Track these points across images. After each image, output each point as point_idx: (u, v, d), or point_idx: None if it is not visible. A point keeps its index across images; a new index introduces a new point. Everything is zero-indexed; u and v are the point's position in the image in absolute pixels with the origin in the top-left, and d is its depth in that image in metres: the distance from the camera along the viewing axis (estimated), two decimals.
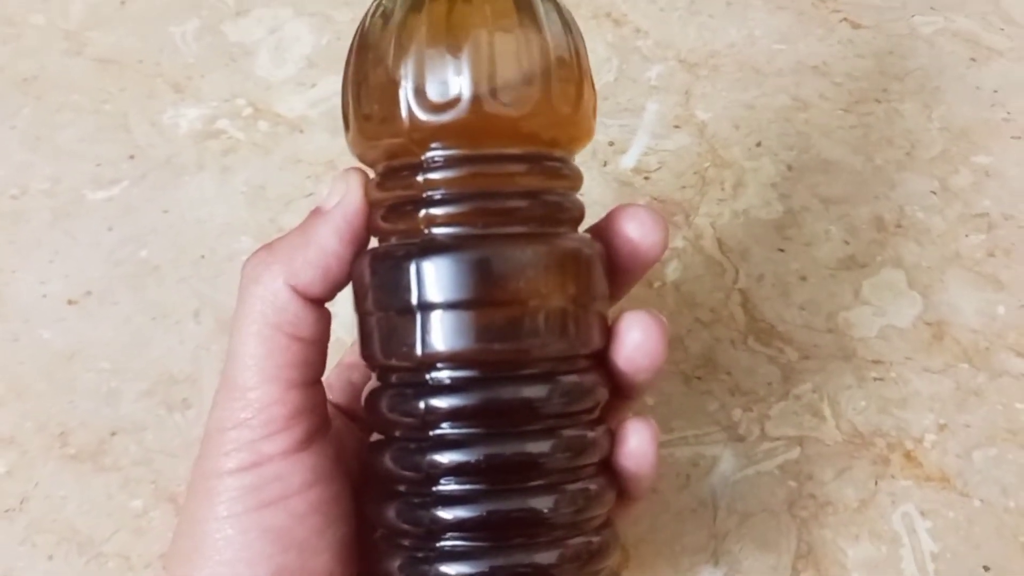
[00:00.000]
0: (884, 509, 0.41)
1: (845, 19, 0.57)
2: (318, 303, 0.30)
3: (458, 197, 0.28)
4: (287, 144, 0.52)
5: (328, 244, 0.29)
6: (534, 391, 0.28)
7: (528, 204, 0.28)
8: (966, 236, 0.48)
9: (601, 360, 0.30)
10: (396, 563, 0.28)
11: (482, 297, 0.27)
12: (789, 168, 0.51)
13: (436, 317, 0.27)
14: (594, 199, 0.49)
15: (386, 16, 0.28)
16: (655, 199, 0.50)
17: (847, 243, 0.48)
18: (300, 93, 0.54)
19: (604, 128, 0.52)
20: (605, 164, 0.51)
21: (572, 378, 0.28)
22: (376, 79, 0.28)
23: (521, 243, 0.28)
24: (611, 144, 0.52)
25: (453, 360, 0.27)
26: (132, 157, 0.52)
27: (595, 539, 0.29)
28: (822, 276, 0.47)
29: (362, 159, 0.30)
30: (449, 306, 0.27)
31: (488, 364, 0.28)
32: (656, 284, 0.47)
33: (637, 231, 0.30)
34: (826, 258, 0.47)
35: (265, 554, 0.28)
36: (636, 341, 0.29)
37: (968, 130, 0.52)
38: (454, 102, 0.27)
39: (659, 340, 0.29)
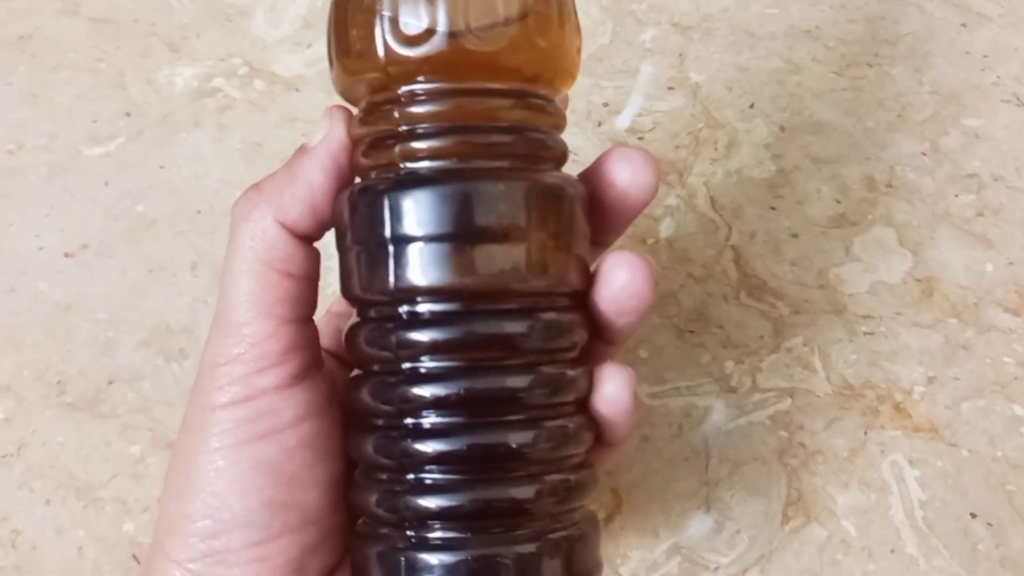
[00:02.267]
0: (873, 458, 0.41)
1: None
2: (307, 240, 0.30)
3: (437, 131, 0.28)
4: (283, 102, 0.52)
5: (314, 179, 0.29)
6: (513, 326, 0.28)
7: (509, 139, 0.28)
8: (956, 196, 0.49)
9: (582, 301, 0.30)
10: (373, 496, 0.28)
11: (460, 230, 0.27)
12: (781, 129, 0.51)
13: (414, 250, 0.27)
14: (588, 158, 0.49)
15: None
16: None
17: (838, 202, 0.48)
18: (296, 53, 0.54)
19: (599, 89, 0.53)
20: (600, 124, 0.51)
21: (551, 315, 0.28)
22: (355, 14, 0.28)
23: (501, 177, 0.28)
24: (605, 105, 0.52)
25: (430, 293, 0.27)
26: (128, 114, 0.52)
27: (572, 477, 0.29)
28: (813, 234, 0.47)
29: (346, 96, 0.31)
30: (427, 239, 0.27)
31: (465, 297, 0.28)
32: (650, 241, 0.47)
33: (627, 172, 0.30)
34: (817, 216, 0.48)
35: (256, 486, 0.28)
36: (622, 281, 0.29)
37: (958, 94, 0.52)
38: (429, 35, 0.27)
39: (646, 281, 0.29)
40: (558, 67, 0.30)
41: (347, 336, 0.30)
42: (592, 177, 0.30)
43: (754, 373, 0.44)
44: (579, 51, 0.31)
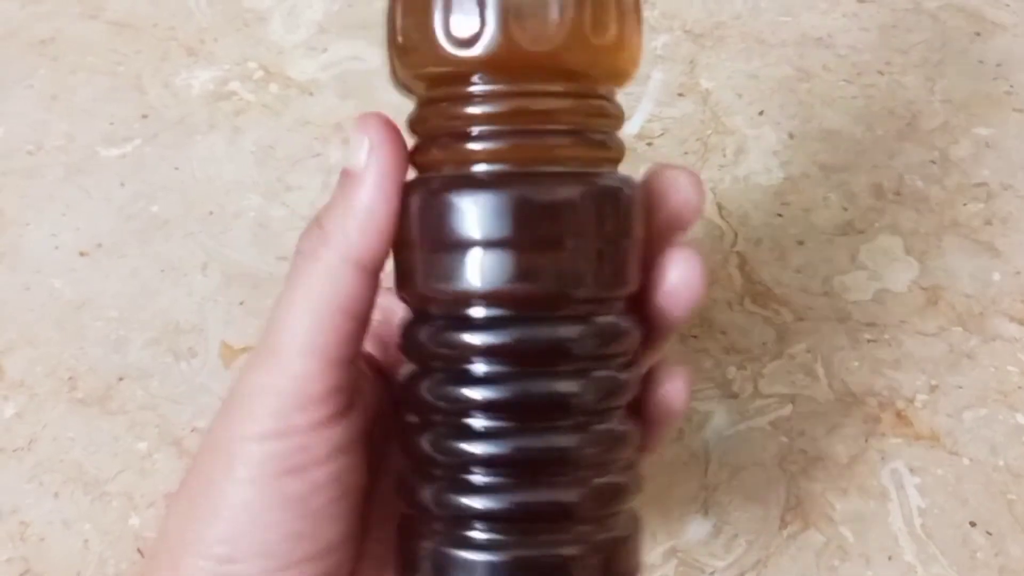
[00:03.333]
0: (873, 465, 0.41)
1: None
2: (374, 273, 0.29)
3: (497, 133, 0.28)
4: (296, 106, 0.53)
5: (375, 207, 0.28)
6: (568, 331, 0.28)
7: (569, 142, 0.28)
8: (964, 204, 0.49)
9: (636, 303, 0.30)
10: (424, 493, 0.28)
11: (519, 237, 0.27)
12: (790, 136, 0.51)
13: (473, 255, 0.27)
14: None
15: None
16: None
17: (845, 209, 0.48)
18: (311, 57, 0.55)
19: None
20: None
21: (608, 319, 0.28)
22: (411, 9, 0.28)
23: (560, 183, 0.28)
24: None
25: (488, 298, 0.27)
26: (145, 117, 0.53)
27: (619, 479, 0.29)
28: (819, 241, 0.47)
29: (403, 87, 0.30)
30: (486, 244, 0.27)
31: (522, 303, 0.28)
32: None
33: (679, 197, 0.30)
34: (824, 224, 0.48)
35: (280, 520, 0.28)
36: (680, 276, 0.29)
37: (969, 102, 0.52)
38: (480, 36, 0.27)
39: (700, 275, 0.29)
40: (616, 65, 0.29)
41: (402, 333, 0.30)
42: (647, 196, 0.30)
43: (756, 379, 0.44)
44: (640, 43, 0.30)
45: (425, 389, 0.29)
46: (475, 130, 0.28)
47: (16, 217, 0.49)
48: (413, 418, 0.29)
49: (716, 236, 0.48)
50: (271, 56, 0.55)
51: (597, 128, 0.29)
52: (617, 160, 0.30)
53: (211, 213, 0.49)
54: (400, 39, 0.29)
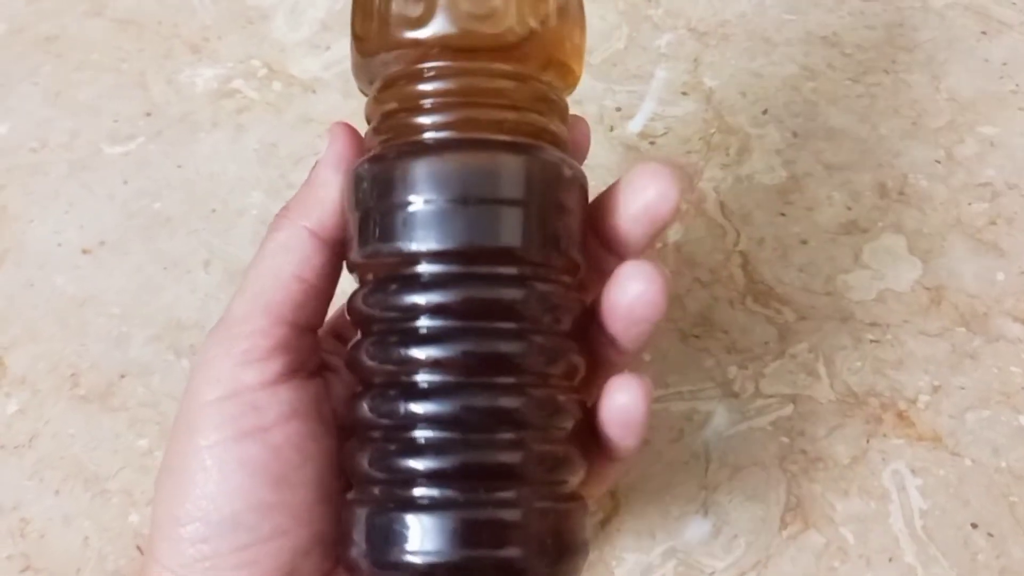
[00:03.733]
0: (875, 466, 0.41)
1: None
2: (330, 244, 0.31)
3: (446, 105, 0.29)
4: (299, 104, 0.53)
5: (329, 178, 0.31)
6: (508, 292, 0.28)
7: (513, 117, 0.29)
8: (969, 204, 0.48)
9: (577, 285, 0.31)
10: (365, 457, 0.29)
11: (461, 195, 0.28)
12: (794, 135, 0.51)
13: (419, 213, 0.28)
14: (599, 163, 0.50)
15: None
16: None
17: (849, 208, 0.48)
18: (314, 55, 0.55)
19: (612, 94, 0.53)
20: (612, 129, 0.52)
21: (545, 287, 0.29)
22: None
23: (501, 149, 0.29)
24: (618, 110, 0.52)
25: (433, 256, 0.28)
26: (149, 114, 0.53)
27: (560, 449, 0.29)
28: (822, 240, 0.47)
29: (362, 78, 0.32)
30: (431, 203, 0.28)
31: (465, 259, 0.28)
32: (657, 245, 0.47)
33: (654, 188, 0.30)
34: (827, 223, 0.48)
35: (244, 487, 0.28)
36: (638, 291, 0.29)
37: (975, 101, 0.52)
38: (432, 17, 0.29)
39: (660, 291, 0.29)
40: (562, 58, 0.31)
41: (349, 301, 0.31)
42: (618, 192, 0.31)
43: (757, 378, 0.43)
44: (582, 39, 0.32)
45: (369, 352, 0.29)
46: (425, 103, 0.29)
47: (20, 214, 0.50)
48: (359, 383, 0.30)
49: (718, 235, 0.48)
50: (274, 54, 0.55)
51: (540, 110, 0.30)
52: (559, 146, 0.31)
53: (214, 210, 0.49)
54: (358, 29, 0.31)
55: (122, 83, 0.54)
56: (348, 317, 0.31)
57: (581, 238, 0.30)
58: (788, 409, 0.43)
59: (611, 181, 0.49)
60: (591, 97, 0.53)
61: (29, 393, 0.44)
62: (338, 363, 0.33)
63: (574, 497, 0.30)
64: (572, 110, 0.32)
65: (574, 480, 0.30)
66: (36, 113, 0.53)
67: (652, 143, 0.51)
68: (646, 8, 0.57)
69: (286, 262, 0.30)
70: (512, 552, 0.28)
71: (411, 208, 0.28)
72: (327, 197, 0.31)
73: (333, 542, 0.30)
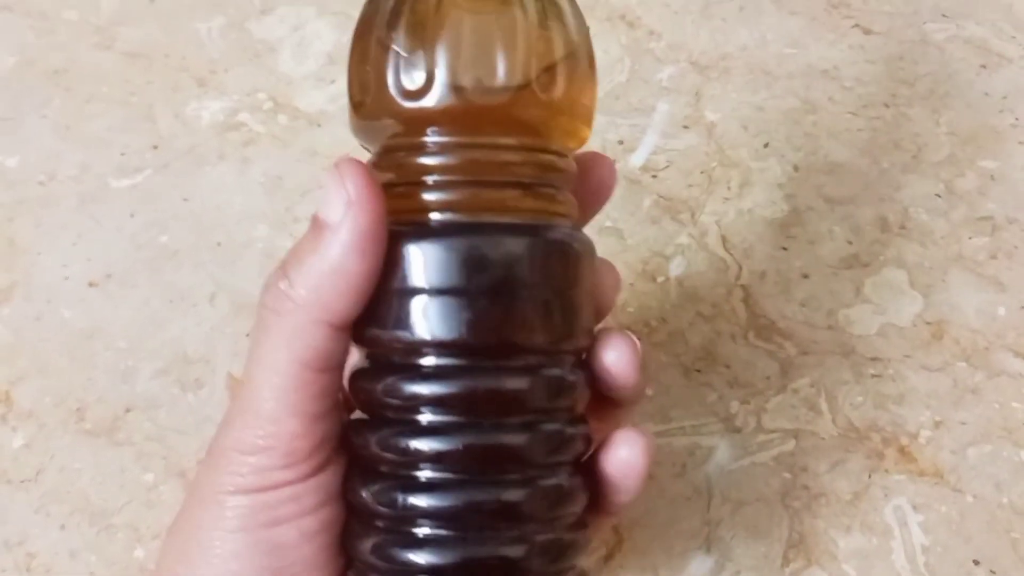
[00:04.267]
0: (876, 502, 0.41)
1: (857, 25, 0.57)
2: (345, 328, 0.28)
3: (450, 184, 0.28)
4: (305, 137, 0.54)
5: (350, 267, 0.27)
6: (515, 383, 0.28)
7: (519, 194, 0.29)
8: (969, 238, 0.49)
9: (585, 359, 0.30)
10: (367, 544, 0.28)
11: (467, 286, 0.27)
12: (795, 169, 0.51)
13: (424, 303, 0.27)
14: None
15: (378, 2, 0.29)
16: (661, 197, 0.51)
17: (850, 243, 0.49)
18: (320, 89, 0.56)
19: (614, 127, 0.53)
20: (614, 162, 0.52)
21: (554, 372, 0.29)
22: (367, 61, 0.29)
23: (510, 233, 0.28)
24: (620, 143, 0.53)
25: (438, 347, 0.28)
26: (156, 147, 0.53)
27: (566, 536, 0.29)
28: (824, 274, 0.48)
29: (361, 138, 0.31)
30: (436, 293, 0.27)
31: (470, 353, 0.28)
32: (659, 279, 0.48)
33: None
34: (829, 257, 0.48)
35: (270, 568, 0.28)
36: (610, 360, 0.30)
37: (975, 135, 0.52)
38: (433, 88, 0.28)
39: (631, 362, 0.29)
40: (569, 124, 0.30)
41: (352, 378, 0.30)
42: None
43: (759, 413, 0.44)
44: (592, 105, 0.31)
45: (374, 441, 0.28)
46: (429, 180, 0.28)
47: (28, 247, 0.50)
48: (360, 465, 0.29)
49: (720, 269, 0.48)
50: (280, 87, 0.56)
51: (548, 182, 0.29)
52: (568, 215, 0.30)
53: (220, 244, 0.50)
54: (356, 92, 0.29)
55: (130, 116, 0.55)
56: (348, 390, 0.30)
57: (591, 312, 0.30)
58: (790, 444, 0.43)
59: (613, 215, 0.49)
60: (594, 130, 0.53)
61: (35, 427, 0.44)
62: None
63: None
64: None
65: (580, 560, 0.30)
66: (45, 146, 0.54)
67: (654, 176, 0.51)
68: (648, 41, 0.57)
69: (303, 354, 0.27)
70: None
71: (415, 295, 0.27)
72: (345, 287, 0.27)
73: None
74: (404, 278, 0.28)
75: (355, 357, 0.31)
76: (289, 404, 0.28)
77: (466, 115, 0.28)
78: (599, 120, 0.53)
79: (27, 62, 0.57)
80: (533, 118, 0.29)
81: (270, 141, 0.54)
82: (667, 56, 0.56)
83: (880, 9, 0.58)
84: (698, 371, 0.45)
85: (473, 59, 0.28)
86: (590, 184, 0.32)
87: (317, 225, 0.28)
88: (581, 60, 0.30)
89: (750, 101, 0.54)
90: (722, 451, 0.43)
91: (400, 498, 0.28)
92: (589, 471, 0.30)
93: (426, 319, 0.27)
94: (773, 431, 0.43)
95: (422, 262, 0.28)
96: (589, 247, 0.30)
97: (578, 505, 0.29)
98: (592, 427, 0.30)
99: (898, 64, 0.55)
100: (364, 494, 0.29)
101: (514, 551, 0.28)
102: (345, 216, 0.27)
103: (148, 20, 0.59)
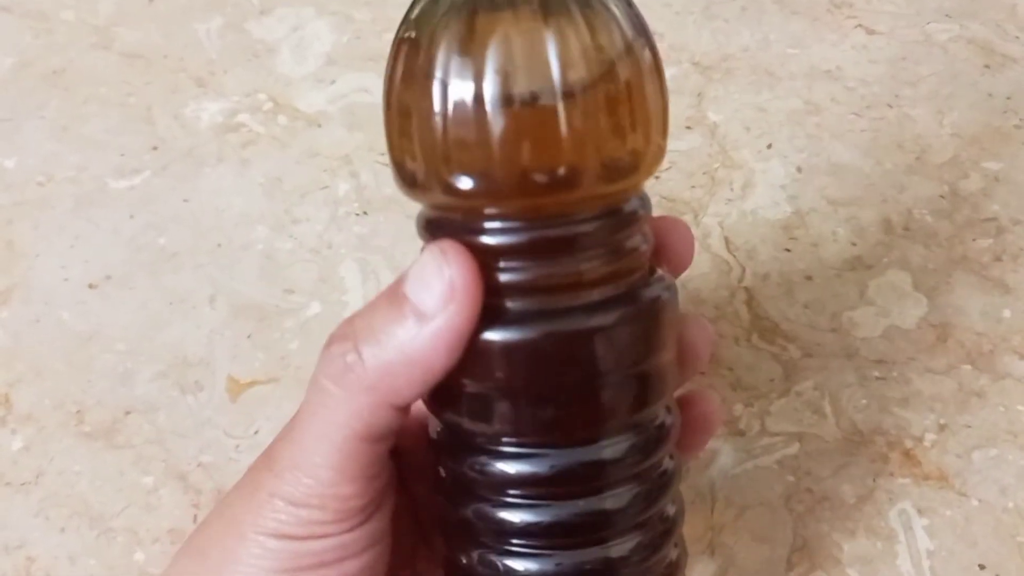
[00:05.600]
0: (881, 506, 0.41)
1: (860, 25, 0.57)
2: (408, 409, 0.27)
3: (522, 267, 0.25)
4: (305, 138, 0.53)
5: (437, 364, 0.25)
6: (609, 452, 0.27)
7: (599, 263, 0.26)
8: (973, 240, 0.48)
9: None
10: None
11: (553, 382, 0.26)
12: (798, 170, 0.51)
13: (508, 398, 0.26)
14: None
15: (416, 58, 0.25)
16: (664, 198, 0.50)
17: (854, 244, 0.48)
18: (319, 89, 0.55)
19: None
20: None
21: (649, 433, 0.28)
22: (416, 138, 0.25)
23: (592, 314, 0.26)
24: None
25: (524, 438, 0.26)
26: (155, 148, 0.53)
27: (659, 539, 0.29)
28: (827, 276, 0.47)
29: (408, 195, 0.27)
30: (520, 389, 0.26)
31: (559, 440, 0.27)
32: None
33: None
34: (832, 259, 0.48)
35: None
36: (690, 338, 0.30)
37: (979, 136, 0.52)
38: (493, 169, 0.24)
39: (706, 341, 0.31)
40: (639, 164, 0.26)
41: (435, 446, 0.29)
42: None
43: (763, 417, 0.43)
44: (664, 145, 0.28)
45: (470, 512, 0.28)
46: (499, 263, 0.25)
47: (27, 249, 0.50)
48: (456, 535, 0.29)
49: (723, 271, 0.48)
50: (280, 88, 0.55)
51: (630, 235, 0.27)
52: (649, 256, 0.28)
53: (219, 245, 0.49)
54: (398, 156, 0.26)
55: (129, 117, 0.55)
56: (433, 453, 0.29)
57: (676, 359, 0.29)
58: (794, 448, 0.42)
59: None
60: None
61: (34, 430, 0.44)
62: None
63: None
64: None
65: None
66: (43, 147, 0.54)
67: (657, 178, 0.51)
68: None
69: (368, 435, 0.26)
70: None
71: (494, 391, 0.26)
72: (421, 379, 0.26)
73: None
74: (487, 372, 0.26)
75: None
76: (344, 472, 0.27)
77: (527, 194, 0.25)
78: None
79: (25, 63, 0.57)
80: (600, 180, 0.25)
81: (269, 142, 0.53)
82: (669, 57, 0.56)
83: (883, 9, 0.58)
84: (701, 374, 0.45)
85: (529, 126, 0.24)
86: (667, 253, 0.30)
87: (402, 302, 0.25)
88: (648, 89, 0.26)
89: (753, 102, 0.54)
90: (725, 455, 0.42)
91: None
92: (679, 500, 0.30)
93: (512, 413, 0.26)
94: (776, 434, 0.43)
95: (506, 357, 0.25)
96: (673, 288, 0.28)
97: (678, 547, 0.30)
98: None
99: (901, 65, 0.55)
100: (469, 561, 0.28)
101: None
102: (443, 310, 0.25)
103: (146, 21, 0.59)
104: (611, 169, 0.25)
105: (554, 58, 0.24)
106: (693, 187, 0.51)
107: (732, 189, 0.51)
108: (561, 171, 0.24)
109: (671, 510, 0.29)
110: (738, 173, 0.51)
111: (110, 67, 0.57)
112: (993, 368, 0.44)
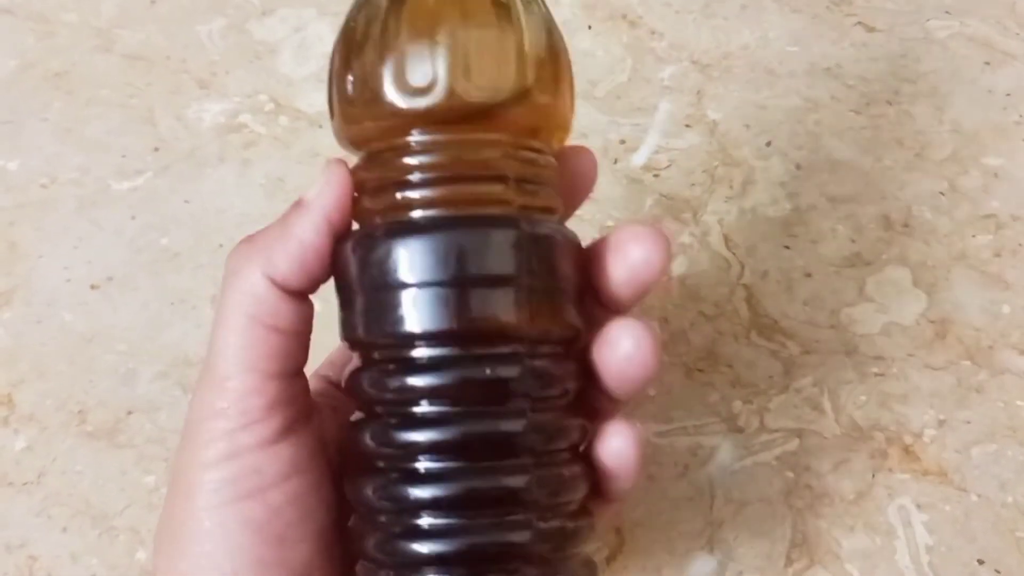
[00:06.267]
0: (880, 501, 0.41)
1: (859, 22, 0.57)
2: (298, 295, 0.30)
3: (435, 180, 0.29)
4: (306, 138, 0.53)
5: (306, 237, 0.29)
6: (505, 371, 0.28)
7: (501, 189, 0.29)
8: (973, 236, 0.48)
9: (578, 348, 0.30)
10: (372, 541, 0.29)
11: (451, 278, 0.28)
12: (798, 167, 0.51)
13: (409, 296, 0.28)
14: (603, 196, 0.50)
15: (371, 6, 0.30)
16: (664, 196, 0.50)
17: (853, 241, 0.48)
18: (321, 90, 0.55)
19: (616, 127, 0.53)
20: (616, 162, 0.52)
21: (543, 362, 0.29)
22: (360, 66, 0.30)
23: (493, 226, 0.29)
24: (622, 142, 0.53)
25: (428, 338, 0.28)
26: (157, 149, 0.53)
27: (569, 524, 0.29)
28: (827, 273, 0.47)
29: (347, 143, 0.32)
30: (421, 285, 0.28)
31: (458, 342, 0.28)
32: (662, 278, 0.47)
33: (640, 251, 0.30)
34: (831, 255, 0.48)
35: (244, 546, 0.28)
36: (627, 351, 0.29)
37: (979, 132, 0.52)
38: (430, 88, 0.28)
39: (651, 351, 0.29)
40: (553, 123, 0.31)
41: (349, 381, 0.30)
42: (605, 251, 0.30)
43: (762, 413, 0.43)
44: (572, 104, 0.32)
45: (371, 435, 0.29)
46: (413, 178, 0.29)
47: (29, 250, 0.50)
48: (360, 463, 0.30)
49: (723, 268, 0.48)
50: (281, 88, 0.56)
51: (530, 178, 0.30)
52: (552, 210, 0.31)
53: (221, 246, 0.50)
54: (338, 94, 0.31)
55: (131, 118, 0.55)
56: (344, 389, 0.31)
57: (578, 303, 0.30)
58: (793, 444, 0.43)
59: (615, 214, 0.49)
60: (595, 130, 0.53)
61: (37, 430, 0.44)
62: (330, 387, 0.34)
63: (585, 564, 0.30)
64: (576, 142, 0.33)
65: (584, 547, 0.30)
66: (46, 149, 0.54)
67: (656, 176, 0.51)
68: (649, 40, 0.57)
69: (257, 312, 0.29)
70: None
71: (404, 290, 0.28)
72: (298, 255, 0.29)
73: None
74: (391, 273, 0.28)
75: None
76: (242, 360, 0.29)
77: (453, 114, 0.29)
78: (600, 120, 0.53)
79: (27, 65, 0.57)
80: (521, 118, 0.30)
81: (271, 143, 0.53)
82: (669, 55, 0.56)
83: (882, 6, 0.58)
84: (700, 371, 0.45)
85: (465, 61, 0.28)
86: (571, 176, 0.32)
87: (292, 206, 0.31)
88: (563, 62, 0.31)
89: (752, 100, 0.54)
90: (725, 451, 0.43)
91: (401, 490, 0.28)
92: (587, 460, 0.30)
93: (416, 312, 0.28)
94: (776, 431, 0.43)
95: (408, 257, 0.28)
96: (573, 239, 0.30)
97: (579, 492, 0.30)
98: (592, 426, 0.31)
99: (901, 62, 0.55)
100: (366, 491, 0.29)
101: (518, 536, 0.28)
102: (316, 197, 0.30)
103: (148, 22, 0.59)
104: (525, 108, 0.29)
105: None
106: (692, 185, 0.51)
107: (732, 187, 0.51)
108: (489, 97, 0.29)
109: (567, 469, 0.30)
110: (738, 171, 0.51)
111: (112, 69, 0.57)
112: (992, 364, 0.44)
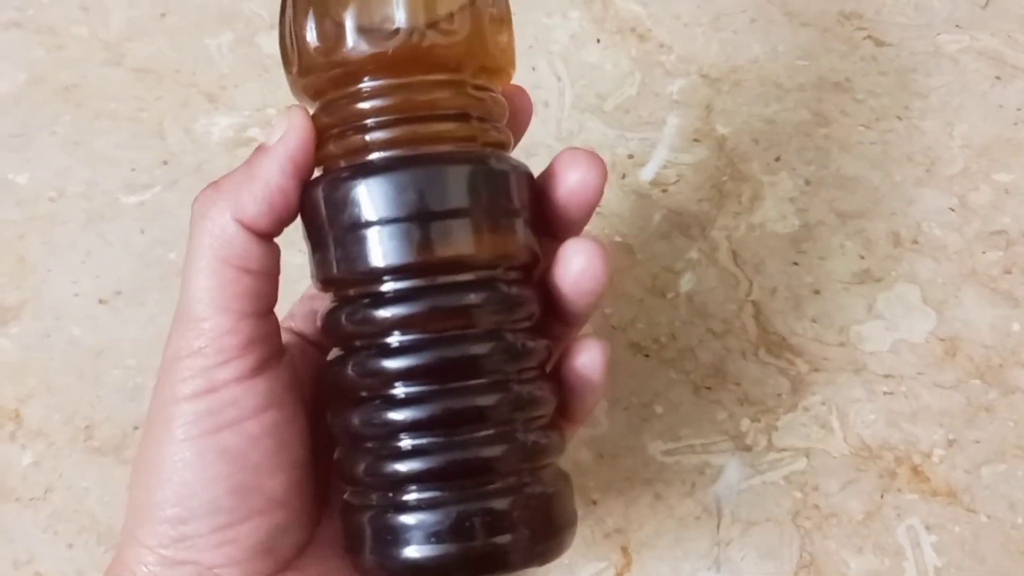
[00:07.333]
0: (889, 522, 0.41)
1: (869, 36, 0.57)
2: (265, 237, 0.31)
3: (393, 122, 0.31)
4: None
5: (272, 179, 0.31)
6: (472, 298, 0.30)
7: (454, 126, 0.31)
8: (983, 253, 0.48)
9: (536, 277, 0.32)
10: (361, 466, 0.30)
11: (416, 212, 0.29)
12: (807, 183, 0.51)
13: (373, 233, 0.30)
14: (611, 211, 0.50)
15: None
16: (672, 211, 0.50)
17: (862, 258, 0.48)
18: None
19: (624, 141, 0.53)
20: (624, 177, 0.52)
21: (506, 288, 0.31)
22: (311, 14, 0.31)
23: (449, 161, 0.30)
24: (630, 157, 0.52)
25: (395, 272, 0.30)
26: (165, 163, 0.54)
27: (541, 438, 0.31)
28: (836, 290, 0.47)
29: (303, 93, 0.33)
30: (383, 222, 0.29)
31: (425, 272, 0.30)
32: (669, 295, 0.47)
33: (576, 174, 0.32)
34: (840, 272, 0.48)
35: (221, 474, 0.30)
36: (580, 265, 0.31)
37: (990, 148, 0.52)
38: (391, 34, 0.30)
39: (601, 264, 0.31)
40: (500, 63, 0.33)
41: (325, 321, 0.32)
42: (548, 179, 0.33)
43: (770, 432, 0.43)
44: (508, 49, 0.34)
45: (352, 367, 0.31)
46: (369, 122, 0.31)
47: (38, 264, 0.50)
48: (343, 395, 0.31)
49: (731, 284, 0.48)
50: (290, 102, 0.55)
51: (483, 116, 0.32)
52: (503, 145, 0.33)
53: None
54: (288, 51, 0.32)
55: (140, 132, 0.55)
56: (320, 330, 0.32)
57: (533, 229, 0.32)
58: (801, 463, 0.42)
59: (622, 230, 0.49)
60: (603, 144, 0.53)
61: (44, 445, 0.44)
62: (295, 338, 0.36)
63: (559, 475, 0.32)
64: None
65: (556, 459, 0.32)
66: (54, 162, 0.54)
67: (664, 191, 0.51)
68: (658, 54, 0.57)
69: (226, 253, 0.30)
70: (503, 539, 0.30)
71: (368, 228, 0.29)
72: (265, 197, 0.31)
73: (309, 518, 0.32)
74: (354, 213, 0.30)
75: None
76: (215, 300, 0.30)
77: (409, 58, 0.30)
78: (609, 134, 0.53)
79: (36, 79, 0.57)
80: (472, 59, 0.32)
81: None
82: (677, 69, 0.56)
83: (892, 20, 0.57)
84: (708, 388, 0.45)
85: (422, 5, 0.30)
86: (514, 114, 0.34)
87: (255, 151, 0.32)
88: (505, 6, 0.33)
89: (761, 114, 0.54)
90: (732, 470, 0.42)
91: (382, 416, 0.30)
92: (554, 379, 0.32)
93: (382, 248, 0.30)
94: (784, 449, 0.43)
95: (368, 196, 0.30)
96: (525, 171, 0.32)
97: (547, 407, 0.31)
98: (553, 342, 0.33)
99: (911, 76, 0.55)
100: (352, 420, 0.30)
101: (492, 451, 0.30)
102: (279, 141, 0.31)
103: (157, 36, 0.59)
104: (478, 51, 0.31)
105: None
106: (701, 200, 0.51)
107: (740, 202, 0.50)
108: (445, 42, 0.31)
109: (534, 384, 0.31)
110: (746, 186, 0.51)
111: (121, 82, 0.57)
112: (1002, 382, 0.44)
